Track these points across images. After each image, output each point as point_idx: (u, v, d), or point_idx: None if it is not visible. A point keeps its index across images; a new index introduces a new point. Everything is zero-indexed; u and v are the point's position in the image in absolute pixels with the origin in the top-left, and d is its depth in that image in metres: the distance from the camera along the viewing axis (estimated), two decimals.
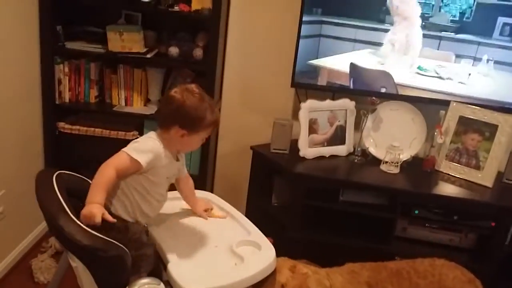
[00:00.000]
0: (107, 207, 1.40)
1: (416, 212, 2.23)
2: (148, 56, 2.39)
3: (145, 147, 1.42)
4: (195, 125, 1.45)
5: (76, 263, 1.32)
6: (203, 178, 2.50)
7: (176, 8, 2.33)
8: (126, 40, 2.36)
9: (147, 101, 2.57)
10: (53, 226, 1.27)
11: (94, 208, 1.29)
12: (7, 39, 2.08)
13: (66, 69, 2.44)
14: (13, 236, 2.30)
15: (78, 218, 1.28)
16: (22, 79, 2.25)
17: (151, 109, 2.50)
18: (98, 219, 1.28)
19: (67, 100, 2.49)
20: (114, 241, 1.29)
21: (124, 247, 1.32)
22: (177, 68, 2.52)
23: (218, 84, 2.54)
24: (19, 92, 2.23)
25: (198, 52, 2.38)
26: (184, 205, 1.73)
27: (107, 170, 1.36)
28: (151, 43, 2.46)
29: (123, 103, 2.55)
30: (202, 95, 1.47)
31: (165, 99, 1.55)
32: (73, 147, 2.57)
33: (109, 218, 1.31)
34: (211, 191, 2.74)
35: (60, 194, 1.33)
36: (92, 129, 2.50)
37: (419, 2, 2.27)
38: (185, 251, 1.47)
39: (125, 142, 1.45)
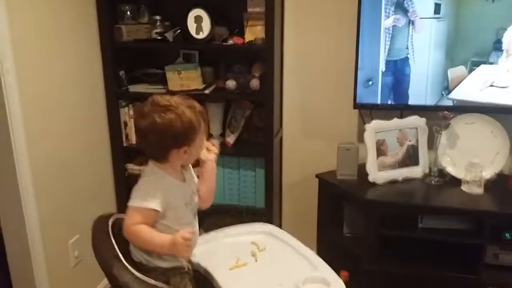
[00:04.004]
0: (140, 263, 1.37)
1: (508, 235, 1.99)
2: (207, 91, 2.41)
3: (149, 190, 1.36)
4: (189, 134, 1.35)
5: None
6: (270, 211, 2.42)
7: (230, 42, 2.34)
8: (184, 78, 2.40)
9: (209, 136, 2.57)
10: (108, 274, 1.26)
11: (176, 242, 1.28)
12: (73, 89, 2.19)
13: (131, 112, 2.51)
14: (89, 280, 2.35)
15: (133, 265, 1.25)
16: (90, 125, 2.35)
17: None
18: (187, 236, 1.29)
19: (134, 142, 2.55)
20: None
21: None
22: (235, 100, 2.52)
23: (277, 112, 2.50)
24: (88, 138, 2.33)
25: (254, 83, 2.36)
26: (245, 240, 1.66)
27: (135, 229, 1.32)
28: (208, 78, 2.49)
29: None
30: (171, 101, 1.34)
31: (143, 132, 1.35)
32: None
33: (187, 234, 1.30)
34: (279, 223, 2.68)
35: (115, 241, 1.32)
36: None
37: None
38: None
39: None
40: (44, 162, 1.99)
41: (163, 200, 1.35)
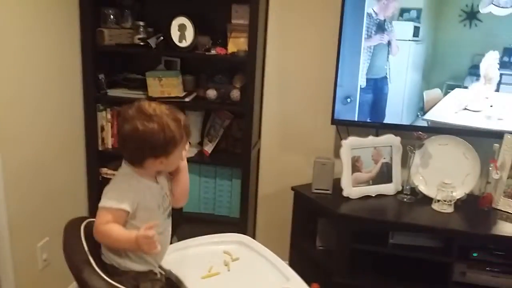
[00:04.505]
0: (112, 266, 1.36)
1: (475, 254, 2.04)
2: (187, 99, 2.41)
3: (121, 190, 1.35)
4: (169, 147, 1.33)
5: None
6: (244, 222, 2.42)
7: (213, 52, 2.35)
8: (165, 85, 2.40)
9: None
10: (78, 279, 1.24)
11: (138, 239, 1.26)
12: (51, 90, 2.16)
13: (109, 116, 2.49)
14: (57, 284, 2.29)
15: (104, 269, 1.24)
16: (66, 128, 2.31)
17: (191, 152, 2.49)
18: (151, 234, 1.25)
19: (109, 146, 2.52)
20: None
21: None
22: (215, 110, 2.53)
23: (256, 124, 2.52)
24: (63, 140, 2.29)
25: (235, 94, 2.37)
26: (218, 249, 1.66)
27: (104, 228, 1.30)
28: (189, 87, 2.49)
29: None
30: (157, 110, 1.32)
31: (123, 136, 1.34)
32: None
33: (149, 232, 1.26)
34: (253, 234, 2.68)
35: (87, 245, 1.30)
36: None
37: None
38: None
39: None
40: (17, 162, 1.94)
41: (134, 201, 1.34)
